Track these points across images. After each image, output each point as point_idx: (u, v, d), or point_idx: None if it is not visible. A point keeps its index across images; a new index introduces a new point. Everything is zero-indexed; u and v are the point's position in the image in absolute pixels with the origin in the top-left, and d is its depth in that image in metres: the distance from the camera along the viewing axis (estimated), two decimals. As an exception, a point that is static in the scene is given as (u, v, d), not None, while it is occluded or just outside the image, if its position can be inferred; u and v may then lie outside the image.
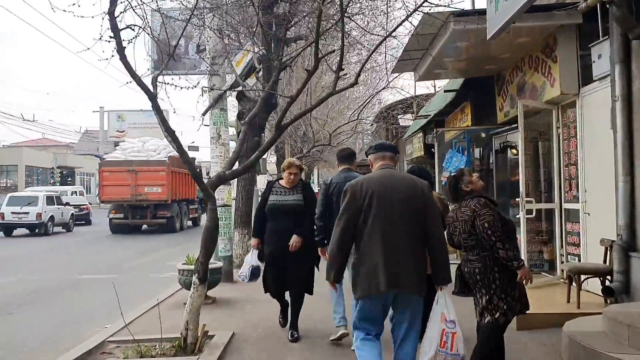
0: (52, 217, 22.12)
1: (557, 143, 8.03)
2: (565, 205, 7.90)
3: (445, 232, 4.37)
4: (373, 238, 3.69)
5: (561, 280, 7.93)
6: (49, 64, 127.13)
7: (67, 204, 25.09)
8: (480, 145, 10.94)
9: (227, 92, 9.64)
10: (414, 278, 3.70)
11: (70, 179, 51.31)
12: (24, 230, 21.81)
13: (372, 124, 20.29)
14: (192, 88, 6.63)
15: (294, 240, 5.73)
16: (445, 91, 11.44)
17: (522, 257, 4.29)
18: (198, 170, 5.72)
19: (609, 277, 6.33)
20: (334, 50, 6.21)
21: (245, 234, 10.57)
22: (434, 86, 16.22)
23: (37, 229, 21.47)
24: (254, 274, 6.19)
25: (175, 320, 6.09)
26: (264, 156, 14.27)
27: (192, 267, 7.31)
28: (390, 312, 3.94)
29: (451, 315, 3.80)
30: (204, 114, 9.71)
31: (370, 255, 3.68)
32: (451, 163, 11.35)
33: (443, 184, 13.75)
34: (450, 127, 11.90)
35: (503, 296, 4.17)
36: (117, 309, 5.58)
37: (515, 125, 9.05)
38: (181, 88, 6.10)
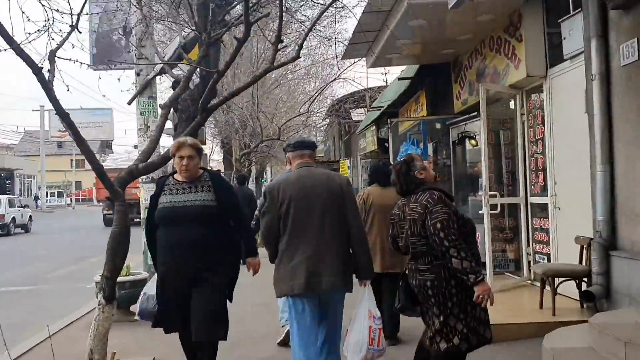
0: (13, 219, 23.80)
1: (521, 131, 7.34)
2: (532, 199, 7.21)
3: (389, 234, 3.74)
4: (294, 239, 3.70)
5: (529, 281, 7.24)
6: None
7: (27, 206, 27.27)
8: (437, 137, 10.21)
9: (157, 77, 8.55)
10: (339, 275, 3.69)
11: (8, 181, 49.08)
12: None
13: (324, 119, 19.41)
14: (107, 69, 5.57)
15: (252, 263, 4.26)
16: (399, 79, 10.67)
17: (484, 268, 3.42)
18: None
19: (585, 279, 5.64)
20: (268, 14, 5.26)
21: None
22: (385, 79, 15.46)
23: (1, 230, 22.82)
24: (146, 311, 4.15)
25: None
26: (206, 152, 13.18)
27: (111, 278, 6.25)
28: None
29: (377, 312, 3.81)
30: (129, 103, 8.64)
31: (290, 257, 3.70)
32: (406, 157, 10.54)
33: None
34: (404, 118, 11.12)
35: (462, 317, 3.33)
36: (38, 324, 4.47)
37: (474, 113, 8.35)
38: (88, 66, 5.07)
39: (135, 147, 26.04)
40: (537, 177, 7.05)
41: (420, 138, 10.41)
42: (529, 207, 7.27)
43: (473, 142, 8.89)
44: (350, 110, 19.24)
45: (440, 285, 3.33)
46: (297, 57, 4.73)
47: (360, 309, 3.79)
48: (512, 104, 7.70)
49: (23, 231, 24.62)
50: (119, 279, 6.24)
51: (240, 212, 4.20)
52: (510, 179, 7.78)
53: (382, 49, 8.43)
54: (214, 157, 23.43)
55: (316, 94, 13.84)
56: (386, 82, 15.29)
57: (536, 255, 7.17)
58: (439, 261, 3.33)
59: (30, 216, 26.08)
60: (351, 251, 3.80)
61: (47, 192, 61.92)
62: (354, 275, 3.85)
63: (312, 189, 3.75)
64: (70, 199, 64.19)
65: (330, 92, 18.13)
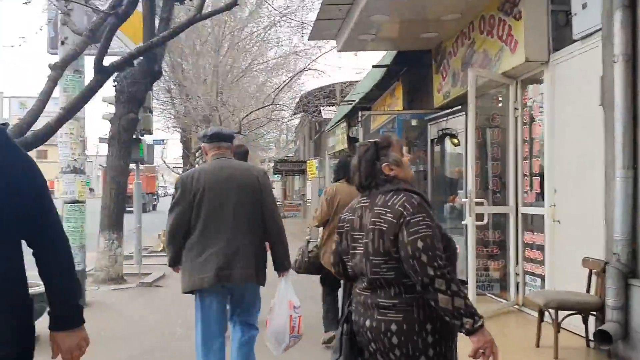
0: None
1: (514, 128, 6.22)
2: (524, 210, 6.09)
3: (333, 250, 2.59)
4: (205, 232, 3.59)
5: (516, 306, 6.12)
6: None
7: None
8: (413, 135, 9.04)
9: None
10: (252, 269, 3.62)
11: None
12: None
13: (292, 114, 18.13)
14: None
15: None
16: (373, 66, 9.49)
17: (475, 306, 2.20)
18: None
19: (593, 312, 4.52)
20: None
21: (114, 240, 8.14)
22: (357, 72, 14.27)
23: None
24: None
25: None
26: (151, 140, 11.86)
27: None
28: None
29: (296, 301, 3.77)
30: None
31: (201, 250, 3.57)
32: (378, 156, 9.41)
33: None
34: (377, 111, 9.90)
35: None
36: None
37: (458, 107, 7.23)
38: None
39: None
40: (532, 183, 5.93)
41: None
42: (519, 218, 6.15)
43: (455, 140, 7.75)
44: (321, 108, 18.01)
45: (412, 330, 2.15)
46: (235, 3, 3.48)
47: (279, 300, 3.74)
48: (505, 95, 6.58)
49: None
50: None
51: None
52: (498, 184, 6.64)
53: (354, 28, 7.22)
54: (172, 151, 22.01)
55: (283, 85, 12.55)
56: (359, 74, 14.13)
57: (526, 276, 6.04)
58: (412, 295, 2.15)
59: None
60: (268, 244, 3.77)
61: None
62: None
63: (226, 180, 3.64)
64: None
65: (300, 87, 16.87)
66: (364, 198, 2.35)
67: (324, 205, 5.08)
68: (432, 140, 8.25)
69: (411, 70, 8.93)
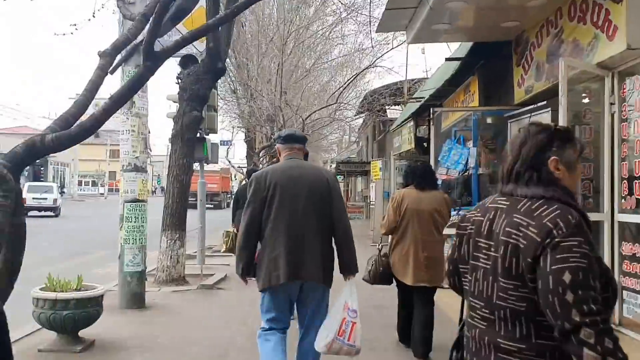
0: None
1: (609, 126, 5.53)
2: (621, 217, 5.40)
3: (449, 257, 2.04)
4: (276, 229, 3.62)
5: (612, 325, 5.42)
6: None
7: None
8: (488, 134, 8.40)
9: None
10: (319, 268, 3.64)
11: (42, 168, 49.04)
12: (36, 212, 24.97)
13: (356, 114, 17.67)
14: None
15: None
16: (446, 59, 8.88)
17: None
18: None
19: None
20: None
21: (176, 240, 7.96)
22: (426, 70, 13.64)
23: (53, 212, 26.38)
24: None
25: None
26: (216, 142, 11.72)
27: (54, 294, 4.72)
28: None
29: (354, 304, 3.67)
30: (112, 72, 7.14)
31: (273, 247, 3.61)
32: (449, 157, 8.83)
33: (439, 183, 11.25)
34: (450, 108, 9.30)
35: None
36: None
37: (543, 103, 6.59)
38: None
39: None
40: (631, 187, 5.24)
41: (469, 136, 8.64)
42: (615, 226, 5.47)
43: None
44: (386, 107, 17.47)
45: None
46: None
47: (339, 301, 3.68)
48: (597, 89, 5.89)
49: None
50: (62, 295, 4.71)
51: None
52: (590, 188, 5.96)
53: (427, 17, 6.70)
54: (238, 151, 22.09)
55: (347, 82, 12.12)
56: (427, 73, 13.53)
57: (624, 291, 5.35)
58: (544, 340, 1.65)
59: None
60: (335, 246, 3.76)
61: (81, 181, 61.99)
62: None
63: (298, 179, 3.69)
64: (104, 189, 64.27)
65: (365, 86, 16.38)
66: (503, 198, 1.82)
67: (391, 212, 4.91)
68: (511, 140, 7.60)
69: (488, 64, 8.30)
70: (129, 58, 6.68)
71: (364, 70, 12.36)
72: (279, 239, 3.58)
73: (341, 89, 12.33)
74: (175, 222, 8.00)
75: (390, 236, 5.05)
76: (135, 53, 6.75)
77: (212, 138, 10.89)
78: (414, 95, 12.27)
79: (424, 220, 4.83)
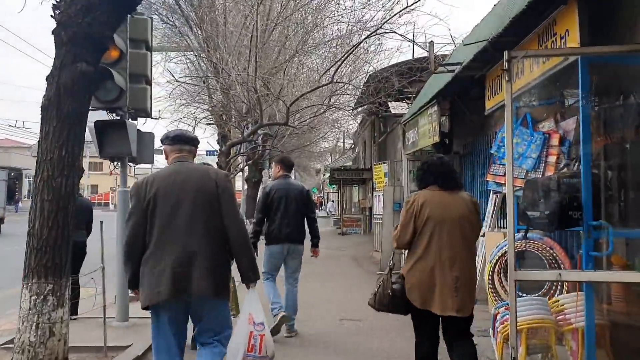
0: None
1: None
2: None
3: None
4: (160, 241, 3.45)
5: None
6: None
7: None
8: (602, 98, 4.80)
9: None
10: (209, 279, 3.41)
11: (17, 181, 47.84)
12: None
13: (355, 103, 14.09)
14: None
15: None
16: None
17: None
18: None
19: None
20: None
21: (46, 295, 4.32)
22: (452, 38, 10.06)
23: None
24: None
25: None
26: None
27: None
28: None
29: (259, 316, 3.56)
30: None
31: (156, 261, 3.43)
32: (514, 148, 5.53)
33: (489, 187, 7.70)
34: (538, 51, 5.37)
35: None
36: None
37: None
38: None
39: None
40: None
41: (541, 114, 5.05)
42: None
43: None
44: (389, 102, 13.95)
45: None
46: None
47: (242, 313, 3.55)
48: None
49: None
50: None
51: None
52: None
53: None
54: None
55: (348, 53, 8.65)
56: (454, 41, 10.03)
57: None
58: None
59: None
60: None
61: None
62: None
63: (182, 184, 3.51)
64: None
65: (364, 67, 12.85)
66: None
67: (405, 220, 3.91)
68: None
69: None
70: None
71: (368, 36, 8.84)
72: (163, 252, 3.41)
73: (339, 62, 8.86)
74: (46, 262, 4.37)
75: (405, 251, 4.19)
76: None
77: (148, 126, 7.39)
78: (448, 61, 8.64)
79: (452, 231, 3.83)
